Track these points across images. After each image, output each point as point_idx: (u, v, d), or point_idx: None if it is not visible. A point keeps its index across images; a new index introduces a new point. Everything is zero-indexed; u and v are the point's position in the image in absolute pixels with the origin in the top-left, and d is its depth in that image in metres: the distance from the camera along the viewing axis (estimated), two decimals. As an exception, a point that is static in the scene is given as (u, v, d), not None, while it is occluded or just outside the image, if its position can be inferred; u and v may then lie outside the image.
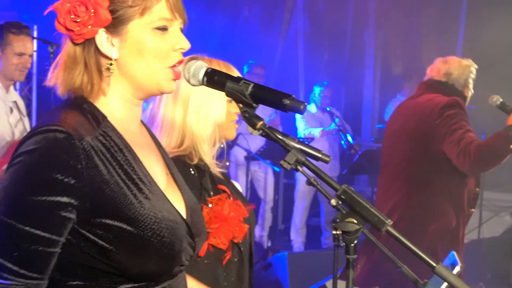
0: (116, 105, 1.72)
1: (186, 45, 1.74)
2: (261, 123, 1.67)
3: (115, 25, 1.64)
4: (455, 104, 3.97)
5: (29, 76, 8.43)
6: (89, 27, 1.60)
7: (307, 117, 9.05)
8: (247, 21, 11.32)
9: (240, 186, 3.27)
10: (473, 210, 4.32)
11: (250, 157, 7.95)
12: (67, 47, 1.67)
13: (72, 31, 1.61)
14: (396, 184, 4.25)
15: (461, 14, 9.87)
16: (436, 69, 4.16)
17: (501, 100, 4.05)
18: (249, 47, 10.72)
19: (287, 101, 1.64)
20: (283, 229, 10.33)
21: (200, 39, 10.45)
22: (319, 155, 1.67)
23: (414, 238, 3.91)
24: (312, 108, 9.13)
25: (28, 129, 4.78)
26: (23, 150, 1.55)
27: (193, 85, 1.78)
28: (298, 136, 9.05)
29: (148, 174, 1.70)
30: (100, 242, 1.56)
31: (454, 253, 2.33)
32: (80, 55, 1.66)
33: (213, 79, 1.74)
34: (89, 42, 1.65)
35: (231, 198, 2.52)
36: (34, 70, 7.99)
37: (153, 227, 1.60)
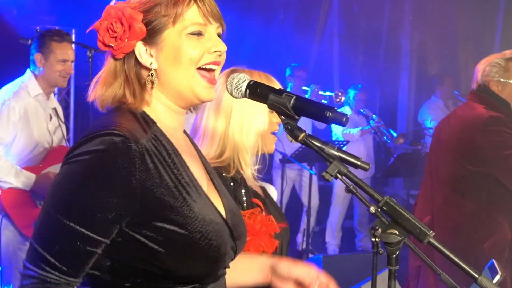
0: (161, 112, 1.77)
1: (222, 47, 1.77)
2: (303, 135, 1.69)
3: (151, 36, 1.69)
4: (494, 122, 3.87)
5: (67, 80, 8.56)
6: (126, 41, 1.66)
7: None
8: (282, 24, 11.33)
9: (275, 190, 3.29)
10: None
11: (286, 160, 7.96)
12: (108, 63, 1.73)
13: (111, 46, 1.67)
14: (440, 195, 4.18)
15: (498, 14, 9.77)
16: (475, 74, 4.08)
17: None
18: (284, 49, 10.74)
19: (329, 114, 1.66)
20: (318, 232, 10.32)
21: (235, 42, 10.54)
22: (359, 163, 1.68)
23: (468, 254, 3.88)
24: (347, 110, 9.13)
25: (66, 136, 4.91)
26: (82, 151, 1.59)
27: (236, 98, 1.81)
28: (335, 137, 9.07)
29: (194, 178, 1.74)
30: (150, 244, 1.60)
31: (494, 261, 2.32)
32: (120, 69, 1.72)
33: (256, 92, 1.76)
34: (129, 56, 1.71)
35: (264, 213, 2.53)
36: (72, 74, 8.11)
37: (202, 229, 1.65)
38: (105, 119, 1.71)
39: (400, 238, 1.62)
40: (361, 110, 9.10)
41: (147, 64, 1.71)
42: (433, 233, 1.61)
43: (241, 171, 2.56)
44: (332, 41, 11.09)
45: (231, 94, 1.79)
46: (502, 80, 3.87)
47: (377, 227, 1.64)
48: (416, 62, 10.77)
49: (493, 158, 3.85)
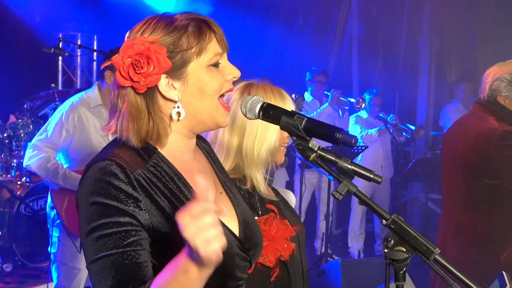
0: (170, 138, 1.80)
1: (237, 73, 1.84)
2: (314, 155, 1.75)
3: (175, 69, 1.71)
4: (508, 136, 3.86)
5: (90, 85, 8.67)
6: (154, 76, 1.67)
7: (361, 122, 9.07)
8: (301, 29, 11.37)
9: (293, 197, 3.36)
10: None
11: (305, 165, 8.00)
12: (130, 98, 1.72)
13: (138, 82, 1.67)
14: (458, 208, 4.19)
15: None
16: (482, 85, 4.07)
17: None
18: (303, 54, 10.77)
19: (339, 135, 1.72)
20: (337, 235, 10.34)
21: (255, 47, 10.59)
22: (371, 176, 1.73)
23: (485, 266, 3.89)
24: (363, 114, 9.16)
25: None
26: (82, 183, 1.67)
27: (250, 119, 1.87)
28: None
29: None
30: (154, 262, 1.66)
31: (504, 273, 2.36)
32: (143, 104, 1.73)
33: (269, 114, 1.83)
34: (151, 89, 1.72)
35: (278, 217, 2.60)
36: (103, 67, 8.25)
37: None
38: (103, 151, 1.76)
39: (407, 256, 1.68)
40: (380, 115, 9.11)
41: (172, 97, 1.73)
42: (439, 250, 1.66)
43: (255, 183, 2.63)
44: (351, 45, 11.10)
45: (245, 115, 1.86)
46: (510, 94, 3.90)
47: (389, 239, 1.70)
48: (435, 67, 10.73)
49: (508, 172, 3.87)
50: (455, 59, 10.56)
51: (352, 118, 9.17)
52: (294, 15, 11.22)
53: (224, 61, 1.81)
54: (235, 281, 1.83)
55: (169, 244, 1.65)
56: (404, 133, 9.46)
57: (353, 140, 1.73)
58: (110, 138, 1.72)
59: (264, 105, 1.84)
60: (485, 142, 3.90)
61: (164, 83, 1.72)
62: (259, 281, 2.52)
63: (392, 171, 9.50)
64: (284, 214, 2.71)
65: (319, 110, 8.76)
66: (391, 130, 9.08)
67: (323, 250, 8.37)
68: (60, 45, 5.86)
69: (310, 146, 1.76)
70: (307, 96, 9.10)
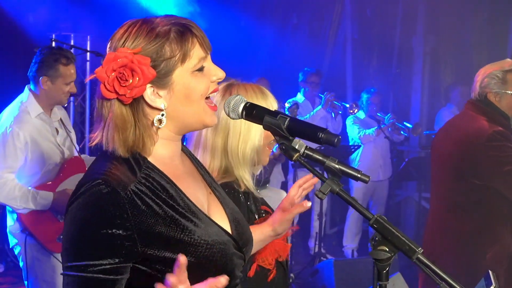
0: (158, 145, 1.79)
1: (221, 74, 1.82)
2: (297, 155, 1.75)
3: (160, 78, 1.70)
4: (497, 137, 3.86)
5: (82, 86, 8.69)
6: (138, 87, 1.66)
7: (359, 122, 9.09)
8: (295, 28, 11.36)
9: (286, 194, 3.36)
10: None
11: (297, 165, 8.01)
12: (115, 109, 1.71)
13: (124, 95, 1.66)
14: (444, 207, 4.21)
15: (510, 18, 9.75)
16: (474, 84, 4.08)
17: None
18: (297, 53, 10.77)
19: (322, 135, 1.72)
20: (331, 235, 10.35)
21: (249, 46, 10.58)
22: (358, 175, 1.73)
23: (471, 264, 3.90)
24: (361, 114, 9.17)
25: (75, 144, 4.93)
26: (74, 208, 1.65)
27: (233, 119, 1.87)
28: (352, 142, 9.10)
29: (193, 204, 1.78)
30: (159, 275, 1.64)
31: (490, 273, 2.36)
32: (129, 114, 1.72)
33: (252, 114, 1.83)
34: (137, 99, 1.71)
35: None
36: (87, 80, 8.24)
37: (206, 253, 1.71)
38: (95, 166, 1.75)
39: (390, 255, 1.68)
40: (378, 114, 9.13)
41: (158, 106, 1.73)
42: (422, 250, 1.66)
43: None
44: (345, 45, 11.10)
45: (228, 115, 1.86)
46: (499, 91, 3.90)
47: (377, 238, 1.71)
48: (429, 66, 10.75)
49: (495, 173, 3.87)
50: (449, 58, 10.58)
51: (349, 119, 9.19)
52: (288, 15, 11.22)
53: (208, 63, 1.80)
54: (235, 280, 1.84)
55: (166, 252, 1.66)
56: (402, 132, 9.47)
57: (336, 140, 1.72)
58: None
59: (247, 105, 1.84)
60: (474, 143, 3.91)
61: (149, 92, 1.71)
62: (257, 283, 2.52)
63: (391, 170, 9.52)
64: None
65: (312, 112, 8.77)
66: (389, 129, 9.10)
67: (316, 250, 8.37)
68: (53, 46, 5.84)
69: (294, 145, 1.76)
70: (300, 97, 9.11)
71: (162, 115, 1.74)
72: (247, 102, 1.85)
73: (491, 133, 3.83)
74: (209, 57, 1.81)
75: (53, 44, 6.17)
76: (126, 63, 1.63)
